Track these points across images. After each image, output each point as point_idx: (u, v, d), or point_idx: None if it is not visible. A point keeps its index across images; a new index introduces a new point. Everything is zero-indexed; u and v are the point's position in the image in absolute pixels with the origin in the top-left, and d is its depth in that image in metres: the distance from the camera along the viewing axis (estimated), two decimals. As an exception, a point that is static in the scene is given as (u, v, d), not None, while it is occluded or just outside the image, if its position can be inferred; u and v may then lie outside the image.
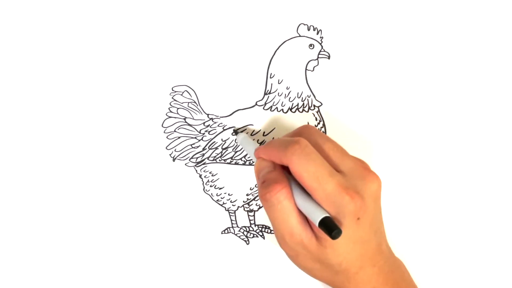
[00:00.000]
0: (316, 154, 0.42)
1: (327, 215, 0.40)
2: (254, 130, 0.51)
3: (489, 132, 0.52)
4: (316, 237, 0.42)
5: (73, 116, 0.51)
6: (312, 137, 0.45)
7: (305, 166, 0.41)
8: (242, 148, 0.51)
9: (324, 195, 0.41)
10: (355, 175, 0.42)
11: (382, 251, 0.45)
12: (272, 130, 0.51)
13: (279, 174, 0.43)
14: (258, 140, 0.51)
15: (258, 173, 0.46)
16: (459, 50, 0.51)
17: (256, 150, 0.46)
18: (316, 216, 0.40)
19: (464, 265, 0.54)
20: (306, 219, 0.43)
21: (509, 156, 0.52)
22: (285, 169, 0.44)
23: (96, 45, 0.50)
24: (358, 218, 0.41)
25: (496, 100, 0.52)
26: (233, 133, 0.51)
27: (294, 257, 0.45)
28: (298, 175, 0.42)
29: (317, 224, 0.40)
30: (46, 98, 0.50)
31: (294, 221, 0.42)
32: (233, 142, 0.51)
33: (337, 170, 0.43)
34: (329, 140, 0.45)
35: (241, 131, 0.51)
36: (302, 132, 0.46)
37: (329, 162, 0.43)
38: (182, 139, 0.51)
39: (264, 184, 0.43)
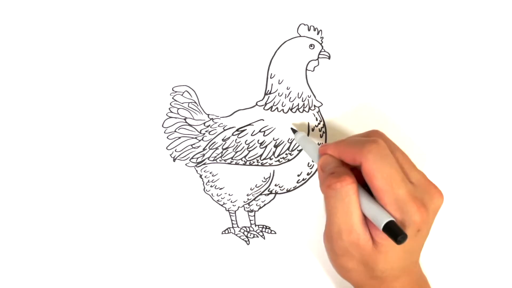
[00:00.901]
0: (392, 157, 0.42)
1: (393, 219, 0.40)
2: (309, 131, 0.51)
3: (489, 134, 0.52)
4: (373, 240, 0.42)
5: (73, 116, 0.51)
6: (385, 141, 0.44)
7: (380, 166, 0.41)
8: (242, 148, 0.51)
9: (393, 199, 0.40)
10: (422, 187, 0.42)
11: (417, 265, 0.46)
12: (272, 130, 0.51)
13: (348, 170, 0.43)
14: (258, 140, 0.51)
15: (324, 167, 0.44)
16: (459, 49, 0.51)
17: (323, 146, 0.46)
18: (382, 219, 0.39)
19: (463, 265, 0.53)
20: (366, 221, 0.42)
21: (509, 158, 0.52)
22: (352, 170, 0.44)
23: (97, 46, 0.50)
24: (419, 230, 0.41)
25: (497, 103, 0.52)
26: (292, 131, 0.50)
27: (338, 255, 0.44)
28: (370, 174, 0.41)
29: (381, 227, 0.39)
30: (47, 98, 0.50)
31: (356, 219, 0.42)
32: (234, 142, 0.51)
33: (407, 179, 0.42)
34: (399, 149, 0.45)
35: (297, 131, 0.50)
36: (374, 135, 0.45)
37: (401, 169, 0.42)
38: (182, 139, 0.51)
39: (335, 174, 0.42)
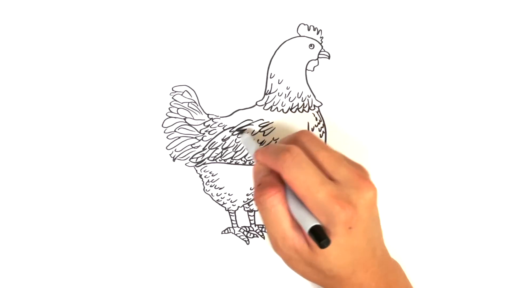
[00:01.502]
0: (307, 162, 0.42)
1: (317, 223, 0.40)
2: (254, 130, 0.51)
3: (489, 135, 0.52)
4: (308, 243, 0.42)
5: (73, 116, 0.51)
6: (307, 144, 0.44)
7: (295, 175, 0.41)
8: (242, 148, 0.51)
9: (314, 203, 0.41)
10: (349, 184, 0.42)
11: (375, 256, 0.45)
12: (272, 130, 0.51)
13: (274, 179, 0.44)
14: (258, 140, 0.51)
15: (255, 176, 0.46)
16: (459, 49, 0.51)
17: (255, 152, 0.46)
18: (307, 223, 0.40)
19: (461, 267, 0.53)
20: (299, 225, 0.43)
21: (507, 158, 0.52)
22: None
23: (97, 46, 0.50)
24: (350, 227, 0.41)
25: (497, 104, 0.52)
26: (236, 133, 0.51)
27: (287, 261, 0.45)
28: (289, 183, 0.42)
29: (307, 231, 0.40)
30: (47, 98, 0.50)
31: (286, 226, 0.42)
32: (233, 142, 0.51)
33: (331, 178, 0.42)
34: (325, 147, 0.45)
35: (245, 131, 0.51)
36: (298, 138, 0.46)
37: (322, 170, 0.43)
38: (182, 139, 0.51)
39: (259, 187, 0.43)
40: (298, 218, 0.42)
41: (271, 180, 0.43)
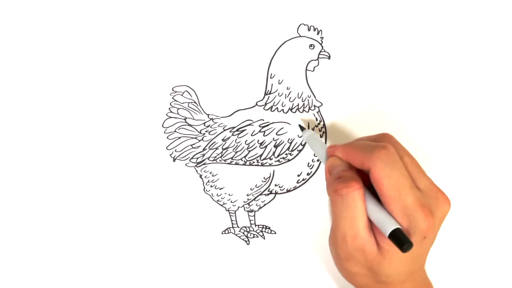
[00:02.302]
0: (401, 164, 0.41)
1: (399, 226, 0.40)
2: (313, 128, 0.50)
3: (491, 134, 0.52)
4: (378, 246, 0.42)
5: (73, 117, 0.51)
6: (395, 146, 0.44)
7: (389, 173, 0.40)
8: (242, 148, 0.51)
9: (400, 206, 0.40)
10: (430, 194, 0.42)
11: (424, 270, 0.46)
12: (272, 130, 0.51)
13: (355, 175, 0.43)
14: (258, 140, 0.51)
15: (331, 169, 0.44)
16: (460, 49, 0.51)
17: (331, 148, 0.45)
18: (388, 226, 0.39)
19: (471, 270, 0.53)
20: (371, 226, 0.42)
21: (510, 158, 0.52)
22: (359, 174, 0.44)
23: (97, 46, 0.50)
24: (425, 237, 0.41)
25: (497, 102, 0.52)
26: (299, 130, 0.50)
27: (343, 260, 0.44)
28: (378, 180, 0.41)
29: (387, 234, 0.39)
30: (47, 99, 0.50)
31: (362, 224, 0.42)
32: (234, 142, 0.51)
33: (415, 185, 0.42)
34: (408, 154, 0.44)
35: (305, 128, 0.50)
36: (383, 139, 0.45)
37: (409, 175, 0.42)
38: (182, 139, 0.51)
39: (342, 179, 0.42)
40: (377, 219, 0.41)
41: (353, 175, 0.42)
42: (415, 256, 0.43)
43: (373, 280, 0.44)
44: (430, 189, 0.43)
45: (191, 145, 0.51)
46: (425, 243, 0.42)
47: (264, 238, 0.53)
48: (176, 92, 0.51)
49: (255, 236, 0.53)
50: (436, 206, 0.42)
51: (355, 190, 0.41)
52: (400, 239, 0.39)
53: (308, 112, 0.51)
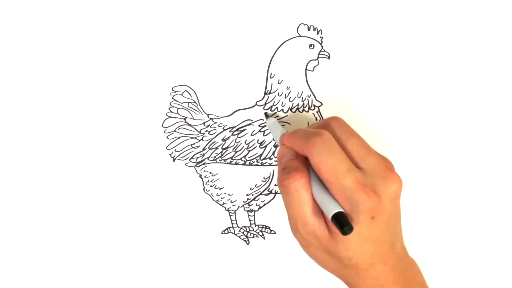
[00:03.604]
0: (337, 148, 0.42)
1: (341, 210, 0.40)
2: (278, 115, 0.51)
3: (491, 133, 0.52)
4: (329, 229, 0.42)
5: (73, 116, 0.51)
6: (338, 130, 0.44)
7: (324, 159, 0.41)
8: (242, 148, 0.51)
9: (340, 190, 0.41)
10: (376, 173, 0.42)
11: (395, 250, 0.45)
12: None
13: (300, 163, 0.43)
14: (258, 140, 0.51)
15: (279, 159, 0.45)
16: (460, 49, 0.51)
17: (281, 136, 0.46)
18: (330, 209, 0.40)
19: (478, 268, 0.53)
20: (321, 211, 0.43)
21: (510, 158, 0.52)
22: (307, 159, 0.44)
23: (97, 46, 0.50)
24: (373, 217, 0.41)
25: (497, 101, 0.52)
26: (264, 116, 0.51)
27: (305, 246, 0.45)
28: (316, 167, 0.41)
29: (330, 217, 0.40)
30: (47, 98, 0.50)
31: (308, 211, 0.42)
32: (233, 142, 0.51)
33: (358, 166, 0.42)
34: (355, 135, 0.45)
35: (270, 115, 0.50)
36: (328, 124, 0.45)
37: (351, 157, 0.42)
38: (182, 139, 0.51)
39: (284, 171, 0.43)
40: (321, 203, 0.41)
41: (296, 164, 0.43)
42: (372, 237, 0.42)
43: (340, 265, 0.44)
44: (376, 168, 0.42)
45: (191, 145, 0.51)
46: (378, 223, 0.42)
47: (264, 238, 0.53)
48: (176, 92, 0.51)
49: (255, 236, 0.53)
50: (382, 184, 0.41)
51: (296, 180, 0.42)
52: (341, 222, 0.39)
53: (308, 112, 0.51)
